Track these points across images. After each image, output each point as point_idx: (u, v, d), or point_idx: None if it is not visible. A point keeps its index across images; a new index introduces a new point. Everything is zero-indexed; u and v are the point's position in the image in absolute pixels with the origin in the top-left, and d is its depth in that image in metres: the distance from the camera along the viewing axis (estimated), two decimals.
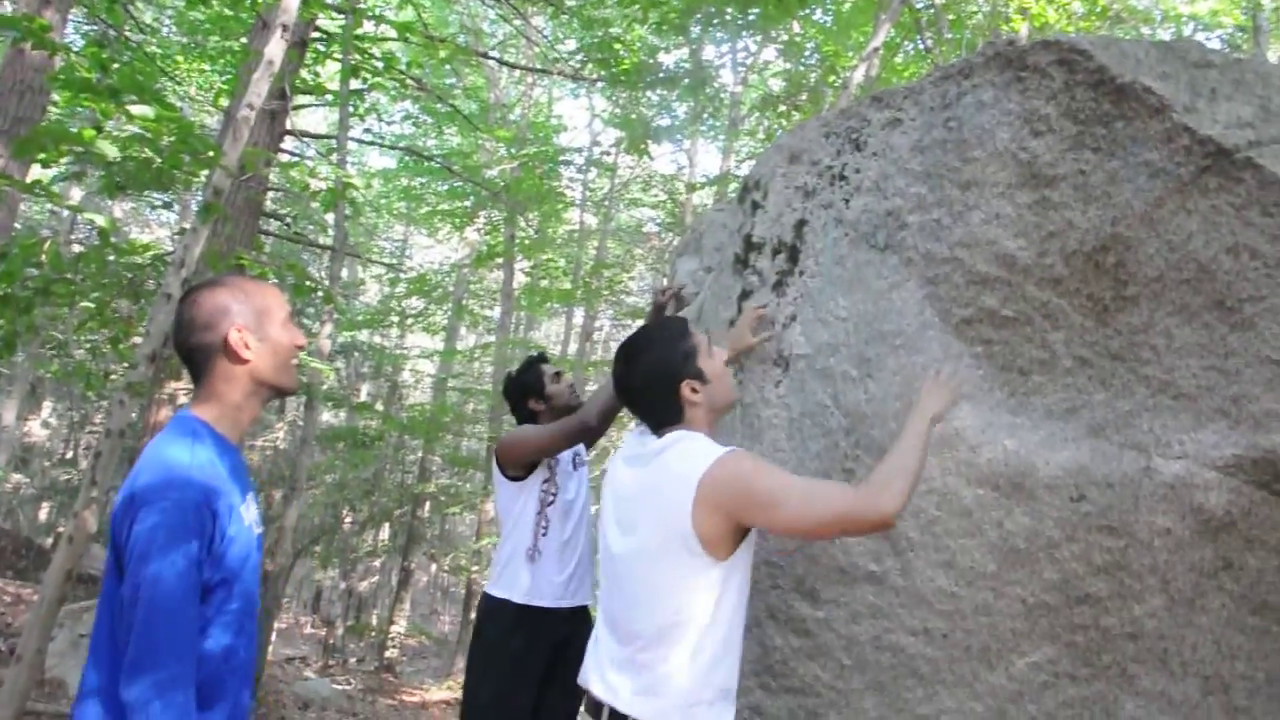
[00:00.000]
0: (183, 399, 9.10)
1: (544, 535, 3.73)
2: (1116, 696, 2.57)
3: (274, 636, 11.43)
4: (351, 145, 11.50)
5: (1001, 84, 2.56)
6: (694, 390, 2.37)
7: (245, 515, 2.02)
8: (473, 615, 14.69)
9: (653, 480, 2.31)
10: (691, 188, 16.16)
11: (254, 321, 2.07)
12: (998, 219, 2.54)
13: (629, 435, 2.55)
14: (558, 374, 3.94)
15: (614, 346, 20.60)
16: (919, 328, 2.63)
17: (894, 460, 2.18)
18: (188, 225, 5.42)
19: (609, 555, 2.41)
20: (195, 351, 2.05)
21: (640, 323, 3.64)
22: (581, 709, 2.45)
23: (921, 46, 11.01)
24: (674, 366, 2.37)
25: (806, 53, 12.04)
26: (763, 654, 2.79)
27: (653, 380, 2.39)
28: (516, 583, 3.68)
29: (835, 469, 2.69)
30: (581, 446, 3.88)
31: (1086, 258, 2.47)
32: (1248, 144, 2.35)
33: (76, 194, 14.32)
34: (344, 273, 16.69)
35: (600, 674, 2.36)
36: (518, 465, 3.74)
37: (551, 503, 3.78)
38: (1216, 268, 2.39)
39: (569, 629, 3.72)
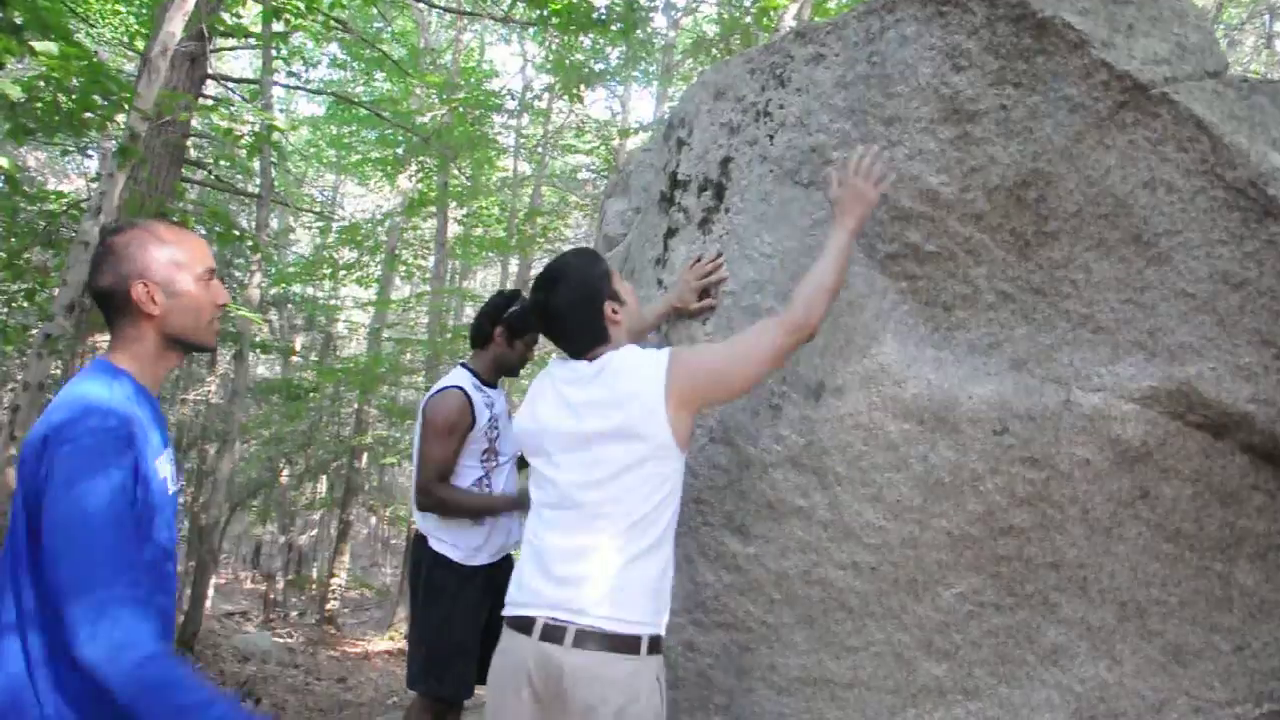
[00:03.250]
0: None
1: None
2: (1039, 624, 2.63)
3: (212, 592, 11.33)
4: (277, 92, 11.19)
5: (924, 18, 2.55)
6: (614, 311, 2.45)
7: (161, 467, 1.94)
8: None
9: (605, 397, 2.34)
10: (625, 134, 16.01)
11: (165, 275, 1.96)
12: (921, 154, 2.54)
13: (551, 363, 2.56)
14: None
15: None
16: None
17: (816, 278, 2.38)
18: (106, 172, 5.25)
19: (555, 485, 2.38)
20: (106, 298, 1.96)
21: None
22: (518, 641, 2.33)
23: None
24: (596, 287, 2.44)
25: None
26: (694, 590, 2.81)
27: (578, 301, 2.43)
28: None
29: (762, 405, 2.70)
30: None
31: (1008, 193, 2.49)
32: (1164, 80, 2.37)
33: None
34: (273, 222, 16.35)
35: (555, 597, 2.30)
36: None
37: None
38: (1134, 202, 2.42)
39: None
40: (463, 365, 3.81)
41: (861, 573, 2.62)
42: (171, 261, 1.98)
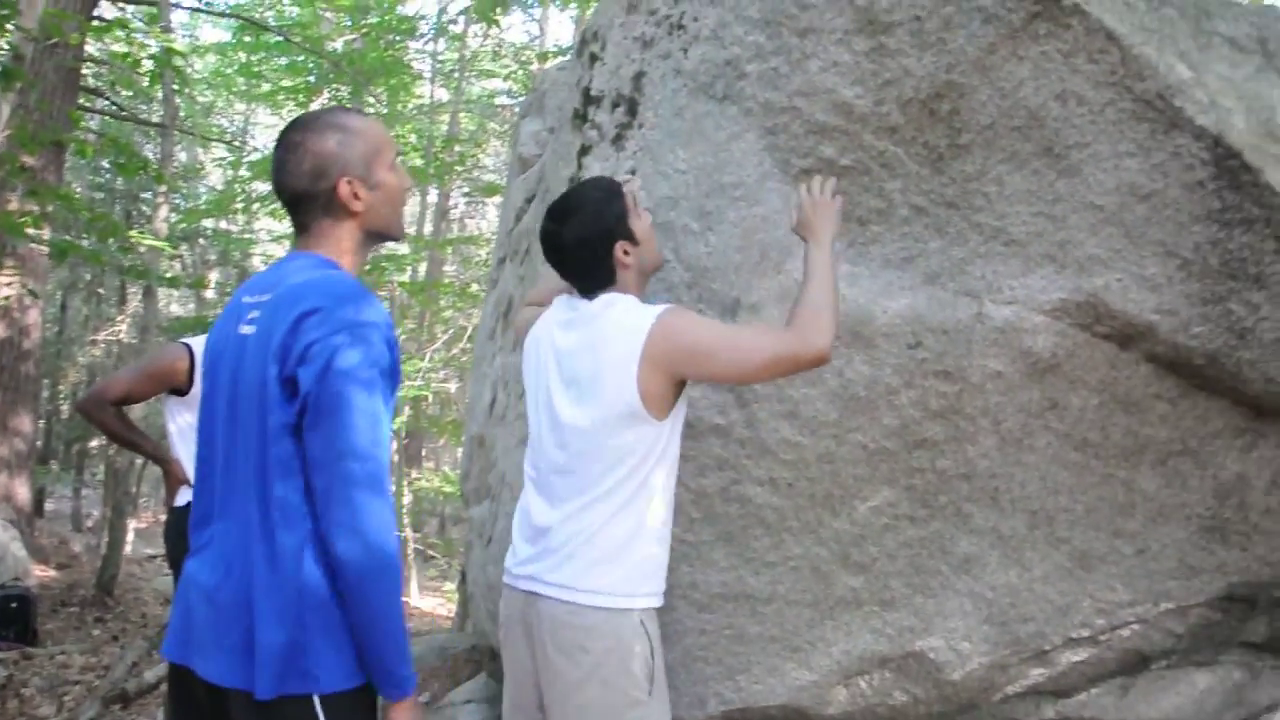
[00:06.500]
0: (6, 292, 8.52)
1: None
2: (952, 535, 2.69)
3: (131, 535, 11.13)
4: (179, 16, 10.72)
5: None
6: (626, 252, 2.31)
7: None
8: None
9: (595, 342, 2.24)
10: (544, 58, 15.70)
11: (363, 168, 1.86)
12: (835, 67, 2.50)
13: (558, 300, 2.44)
14: None
15: (470, 225, 20.17)
16: (759, 179, 2.60)
17: (810, 296, 2.16)
18: None
19: (557, 423, 2.30)
20: (300, 200, 1.86)
21: (499, 199, 3.41)
22: (511, 594, 2.35)
23: None
24: (607, 227, 2.30)
25: None
26: None
27: (586, 240, 2.30)
28: None
29: None
30: None
31: (922, 105, 2.47)
32: None
33: None
34: (181, 155, 15.80)
35: (528, 554, 2.31)
36: None
37: None
38: (1045, 114, 2.43)
39: None
40: None
41: (779, 489, 2.64)
42: (369, 150, 1.88)
